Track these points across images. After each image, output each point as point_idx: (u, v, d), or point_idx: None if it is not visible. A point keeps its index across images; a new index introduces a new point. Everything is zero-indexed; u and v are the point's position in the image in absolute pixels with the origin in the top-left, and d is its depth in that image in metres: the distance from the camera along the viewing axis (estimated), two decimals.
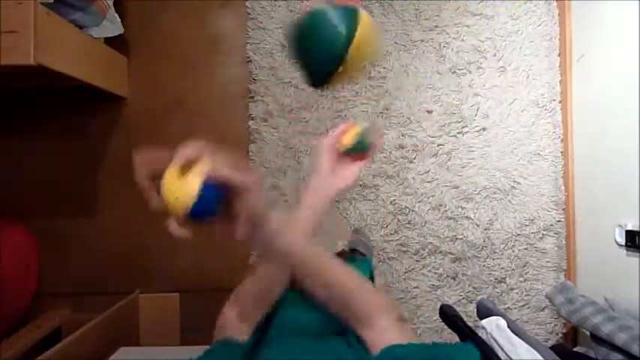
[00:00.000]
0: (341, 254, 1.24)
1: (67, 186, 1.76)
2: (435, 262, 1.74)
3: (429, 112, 1.74)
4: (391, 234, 1.73)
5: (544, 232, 1.73)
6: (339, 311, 0.56)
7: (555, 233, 1.73)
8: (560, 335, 1.73)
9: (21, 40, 1.11)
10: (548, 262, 1.73)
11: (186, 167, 0.42)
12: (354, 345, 0.54)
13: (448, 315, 1.34)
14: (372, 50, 0.64)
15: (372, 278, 1.15)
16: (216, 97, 1.78)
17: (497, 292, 1.73)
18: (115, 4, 1.54)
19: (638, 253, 1.36)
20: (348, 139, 0.64)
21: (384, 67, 1.74)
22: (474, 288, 1.73)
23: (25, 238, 1.67)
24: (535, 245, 1.73)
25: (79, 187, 1.76)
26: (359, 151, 0.65)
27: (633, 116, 1.35)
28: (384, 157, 1.74)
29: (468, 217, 1.73)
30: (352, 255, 1.23)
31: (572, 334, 1.72)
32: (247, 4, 1.76)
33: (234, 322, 0.58)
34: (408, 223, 1.74)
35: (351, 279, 0.57)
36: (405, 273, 1.73)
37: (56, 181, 1.75)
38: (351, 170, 0.66)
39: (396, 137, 1.74)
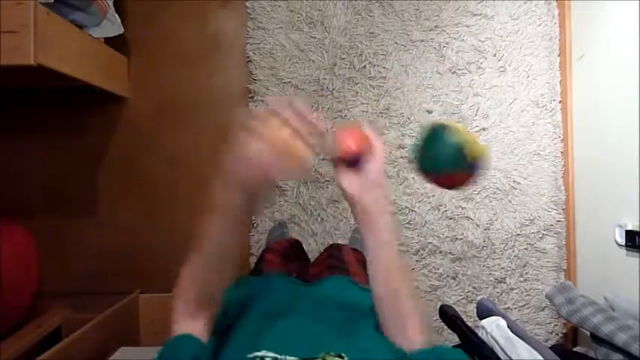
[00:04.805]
0: (334, 247, 1.23)
1: (67, 186, 1.76)
2: (435, 262, 1.74)
3: (429, 112, 1.74)
4: None
5: (544, 232, 1.73)
6: (386, 308, 0.56)
7: (555, 233, 1.73)
8: (560, 335, 1.73)
9: (21, 40, 1.11)
10: (548, 262, 1.73)
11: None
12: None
13: (448, 315, 1.34)
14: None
15: None
16: (216, 97, 1.78)
17: (498, 292, 1.73)
18: (115, 4, 1.54)
19: (638, 253, 1.36)
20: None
21: (384, 67, 1.74)
22: (473, 288, 1.73)
23: (24, 238, 1.67)
24: (535, 245, 1.73)
25: (79, 187, 1.76)
26: None
27: (633, 116, 1.35)
28: (384, 157, 1.74)
29: (468, 217, 1.73)
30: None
31: (572, 334, 1.72)
32: (247, 4, 1.76)
33: (187, 325, 0.54)
34: (408, 223, 1.74)
35: (411, 286, 0.58)
36: None
37: (56, 181, 1.75)
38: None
39: (396, 137, 1.74)
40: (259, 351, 0.45)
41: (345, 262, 0.96)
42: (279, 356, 0.44)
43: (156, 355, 0.49)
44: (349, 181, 0.57)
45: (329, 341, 0.50)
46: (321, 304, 0.64)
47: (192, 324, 0.54)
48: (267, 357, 0.44)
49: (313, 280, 0.79)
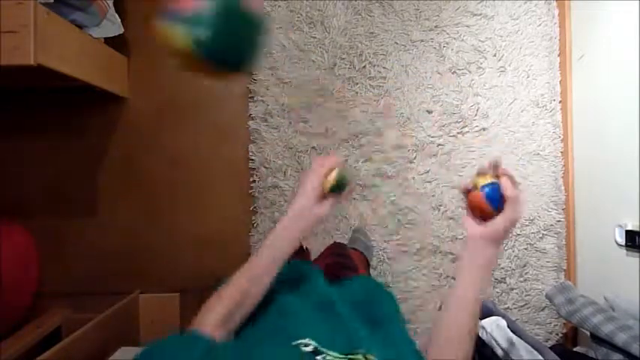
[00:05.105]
0: (339, 246, 1.23)
1: (67, 186, 1.76)
2: (435, 262, 1.74)
3: (429, 112, 1.74)
4: (391, 234, 1.73)
5: (544, 232, 1.73)
6: (439, 331, 0.61)
7: (555, 233, 1.73)
8: (560, 335, 1.73)
9: (21, 40, 1.11)
10: (548, 262, 1.73)
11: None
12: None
13: None
14: None
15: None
16: (216, 97, 1.78)
17: (498, 292, 1.73)
18: (115, 4, 1.54)
19: (638, 253, 1.36)
20: (331, 178, 0.68)
21: (384, 67, 1.74)
22: None
23: (23, 238, 1.67)
24: (535, 245, 1.73)
25: (79, 187, 1.76)
26: (338, 190, 0.69)
27: (633, 116, 1.35)
28: (384, 157, 1.74)
29: None
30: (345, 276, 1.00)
31: (572, 334, 1.72)
32: None
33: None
34: (408, 223, 1.74)
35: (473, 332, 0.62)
36: (405, 273, 1.73)
37: (56, 181, 1.75)
38: (327, 204, 0.68)
39: (396, 137, 1.74)
40: (304, 338, 0.47)
41: (353, 260, 0.98)
42: (319, 346, 0.46)
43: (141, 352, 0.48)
44: (474, 225, 0.68)
45: (366, 341, 0.51)
46: (356, 303, 0.66)
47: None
48: (310, 345, 0.46)
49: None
